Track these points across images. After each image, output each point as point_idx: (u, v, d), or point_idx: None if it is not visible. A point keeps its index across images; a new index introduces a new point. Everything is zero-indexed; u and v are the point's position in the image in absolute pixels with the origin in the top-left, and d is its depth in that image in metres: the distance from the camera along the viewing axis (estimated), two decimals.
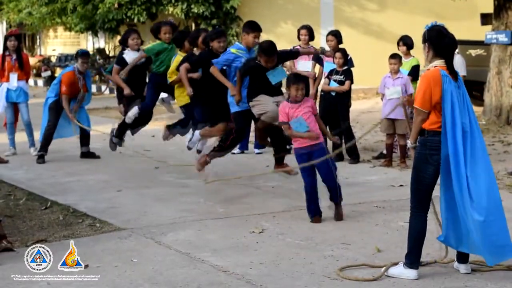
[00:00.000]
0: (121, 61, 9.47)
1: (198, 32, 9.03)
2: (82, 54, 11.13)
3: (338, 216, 7.20)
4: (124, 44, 9.62)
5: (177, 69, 8.77)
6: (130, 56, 9.48)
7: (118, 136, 9.77)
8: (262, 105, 7.68)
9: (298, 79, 7.31)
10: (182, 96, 8.99)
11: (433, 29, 5.40)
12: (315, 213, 7.16)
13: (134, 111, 9.31)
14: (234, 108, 7.97)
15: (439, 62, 5.35)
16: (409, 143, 5.55)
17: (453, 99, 5.26)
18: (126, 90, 9.31)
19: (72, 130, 11.27)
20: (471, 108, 5.41)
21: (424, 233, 5.47)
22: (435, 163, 5.34)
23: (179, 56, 8.99)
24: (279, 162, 8.14)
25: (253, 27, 7.93)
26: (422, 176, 5.41)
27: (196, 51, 8.84)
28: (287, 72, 8.91)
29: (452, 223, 5.43)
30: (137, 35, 9.52)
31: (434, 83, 5.28)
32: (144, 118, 9.62)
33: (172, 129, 9.42)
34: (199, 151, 8.88)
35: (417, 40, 10.37)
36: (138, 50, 9.48)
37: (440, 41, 5.34)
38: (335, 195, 7.22)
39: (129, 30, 9.86)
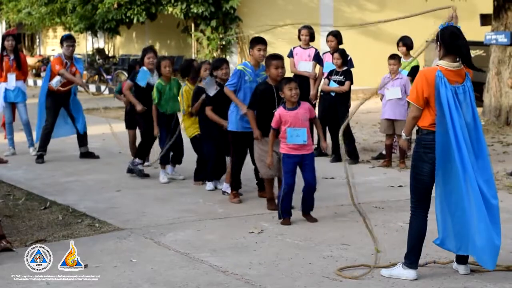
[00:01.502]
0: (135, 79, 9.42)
1: (200, 65, 9.08)
2: (66, 37, 11.06)
3: (313, 220, 7.20)
4: (141, 63, 9.58)
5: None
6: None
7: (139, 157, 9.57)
8: (262, 156, 7.60)
9: (289, 79, 7.24)
10: (190, 126, 8.97)
11: (447, 28, 5.42)
12: (289, 214, 7.14)
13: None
14: (231, 127, 7.97)
15: (443, 63, 5.36)
16: (403, 134, 5.62)
17: (449, 104, 5.25)
18: (139, 107, 9.21)
19: (70, 129, 11.26)
20: (476, 111, 5.42)
21: (424, 233, 5.47)
22: (430, 161, 5.36)
23: (187, 88, 8.96)
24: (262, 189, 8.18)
25: (257, 40, 7.99)
26: (419, 174, 5.43)
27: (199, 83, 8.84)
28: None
29: (453, 226, 5.39)
30: (153, 54, 9.51)
31: (427, 82, 5.32)
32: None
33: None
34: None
35: (417, 41, 10.40)
36: (151, 70, 9.42)
37: (451, 41, 5.35)
38: (312, 202, 7.20)
39: (145, 49, 9.81)
